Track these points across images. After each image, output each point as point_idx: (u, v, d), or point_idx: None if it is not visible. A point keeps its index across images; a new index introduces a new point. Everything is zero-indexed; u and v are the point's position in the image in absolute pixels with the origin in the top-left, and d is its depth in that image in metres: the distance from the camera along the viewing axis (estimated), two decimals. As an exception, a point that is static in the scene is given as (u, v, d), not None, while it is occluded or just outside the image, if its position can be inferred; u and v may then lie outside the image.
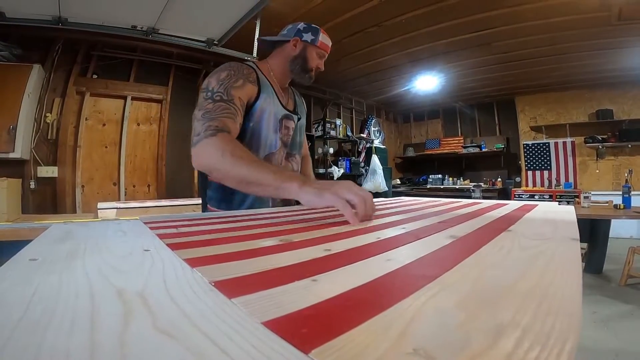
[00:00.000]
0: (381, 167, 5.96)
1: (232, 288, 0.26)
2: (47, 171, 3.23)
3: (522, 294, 0.25)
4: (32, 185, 3.14)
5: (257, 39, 3.41)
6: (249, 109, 1.11)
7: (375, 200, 1.48)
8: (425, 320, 0.20)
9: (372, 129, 6.57)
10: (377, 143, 6.47)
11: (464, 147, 6.82)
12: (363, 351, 0.16)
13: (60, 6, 2.65)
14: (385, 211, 0.92)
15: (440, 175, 7.04)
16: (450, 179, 6.96)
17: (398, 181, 7.35)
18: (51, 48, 3.27)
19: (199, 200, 1.38)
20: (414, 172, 7.64)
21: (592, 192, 3.90)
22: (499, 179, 6.47)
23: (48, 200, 3.25)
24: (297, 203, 1.03)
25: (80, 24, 2.90)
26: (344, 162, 5.88)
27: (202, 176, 1.24)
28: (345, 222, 0.65)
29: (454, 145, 6.99)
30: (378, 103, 7.06)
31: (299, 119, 1.31)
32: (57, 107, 3.31)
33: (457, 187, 6.67)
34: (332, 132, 5.63)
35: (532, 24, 3.58)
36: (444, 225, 0.63)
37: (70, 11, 2.75)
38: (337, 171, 5.56)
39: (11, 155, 2.85)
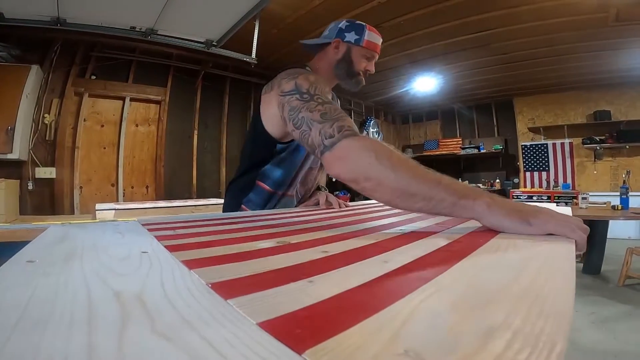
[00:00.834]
0: (380, 168, 5.95)
1: (229, 290, 0.27)
2: (45, 172, 3.22)
3: (515, 295, 0.25)
4: (30, 186, 3.13)
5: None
6: None
7: (373, 201, 1.48)
8: (417, 322, 0.21)
9: (371, 130, 6.58)
10: (375, 144, 6.47)
11: (463, 149, 6.83)
12: (355, 352, 0.17)
13: (58, 7, 2.65)
14: (383, 213, 0.92)
15: (439, 177, 7.05)
16: (449, 180, 6.97)
17: (397, 182, 7.35)
18: (50, 49, 3.26)
19: (198, 202, 1.37)
20: (412, 173, 7.64)
21: (590, 193, 3.91)
22: (498, 180, 6.48)
23: (46, 201, 3.24)
24: None
25: (78, 24, 2.90)
26: (343, 163, 5.86)
27: (247, 175, 1.12)
28: (343, 224, 0.65)
29: (453, 146, 7.00)
30: (377, 104, 7.07)
31: None
32: (55, 108, 3.31)
33: (455, 188, 6.68)
34: (331, 133, 5.63)
35: (530, 25, 3.59)
36: (441, 227, 0.63)
37: (69, 12, 2.74)
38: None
39: (9, 156, 2.85)
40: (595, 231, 3.40)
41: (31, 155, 3.15)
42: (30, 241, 0.49)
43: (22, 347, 0.17)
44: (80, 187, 3.48)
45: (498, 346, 0.17)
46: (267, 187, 1.08)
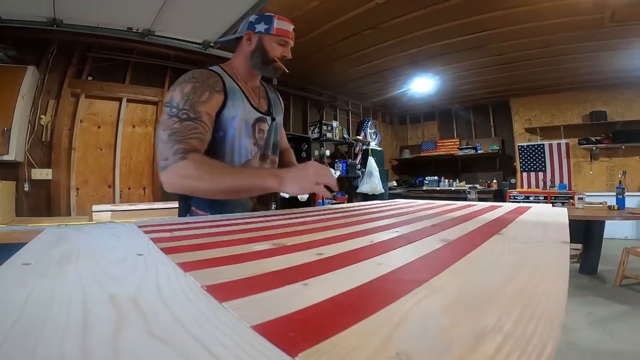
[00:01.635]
0: (377, 169, 5.96)
1: (224, 292, 0.27)
2: (42, 173, 3.21)
3: (508, 298, 0.26)
4: (27, 187, 3.11)
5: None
6: (217, 117, 1.07)
7: (370, 203, 1.49)
8: (410, 325, 0.21)
9: (369, 131, 6.59)
10: (373, 145, 6.48)
11: (460, 149, 6.85)
12: (348, 354, 0.17)
13: (55, 8, 2.64)
14: (379, 214, 0.92)
15: (436, 177, 7.07)
16: (447, 180, 6.99)
17: (394, 183, 7.37)
18: (46, 50, 3.24)
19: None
20: (410, 174, 7.66)
21: (587, 194, 3.93)
22: (495, 181, 6.50)
23: (42, 202, 3.22)
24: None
25: (75, 25, 2.89)
26: (341, 165, 5.88)
27: None
28: (339, 226, 0.65)
29: (450, 147, 7.02)
30: (374, 105, 7.08)
31: (273, 120, 1.24)
32: (51, 109, 3.29)
33: (453, 188, 6.70)
34: (329, 135, 5.63)
35: (527, 26, 3.61)
36: (437, 229, 0.63)
37: (66, 13, 2.74)
38: (333, 173, 5.56)
39: (5, 158, 2.83)
40: (592, 231, 3.42)
41: (27, 156, 3.13)
42: (26, 243, 0.48)
43: (18, 350, 0.17)
44: (77, 189, 3.46)
45: (488, 349, 0.18)
46: None
